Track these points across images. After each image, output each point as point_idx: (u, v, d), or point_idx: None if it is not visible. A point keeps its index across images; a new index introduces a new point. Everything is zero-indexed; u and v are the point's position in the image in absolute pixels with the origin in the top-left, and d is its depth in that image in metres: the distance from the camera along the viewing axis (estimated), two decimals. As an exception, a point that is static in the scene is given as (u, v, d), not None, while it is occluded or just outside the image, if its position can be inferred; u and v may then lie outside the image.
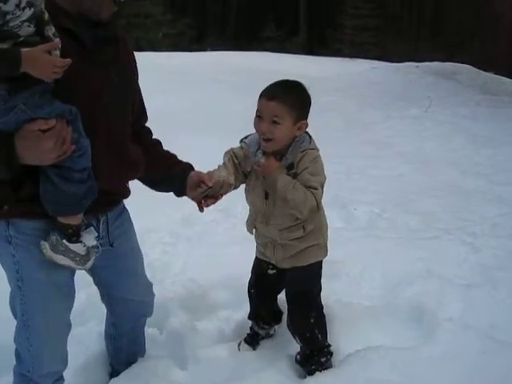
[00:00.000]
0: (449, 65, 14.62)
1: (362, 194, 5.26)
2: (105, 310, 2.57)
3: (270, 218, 2.42)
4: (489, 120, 8.93)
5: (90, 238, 1.96)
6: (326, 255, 2.56)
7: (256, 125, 2.31)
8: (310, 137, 2.35)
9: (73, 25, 1.83)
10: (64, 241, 1.88)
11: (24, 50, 1.55)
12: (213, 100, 9.12)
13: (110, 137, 1.96)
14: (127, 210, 2.33)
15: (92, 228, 1.98)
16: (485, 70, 14.44)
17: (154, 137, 2.42)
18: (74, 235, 1.90)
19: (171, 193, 2.41)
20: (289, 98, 2.24)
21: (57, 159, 1.72)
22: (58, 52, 1.68)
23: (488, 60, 14.12)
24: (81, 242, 1.92)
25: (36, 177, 1.79)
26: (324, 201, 2.37)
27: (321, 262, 2.57)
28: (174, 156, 2.41)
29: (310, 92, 2.31)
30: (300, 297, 2.58)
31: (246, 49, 16.27)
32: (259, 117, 2.28)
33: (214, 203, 2.34)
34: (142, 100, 2.30)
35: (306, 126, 2.33)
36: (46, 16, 1.66)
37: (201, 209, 2.35)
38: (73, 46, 1.82)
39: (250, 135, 2.43)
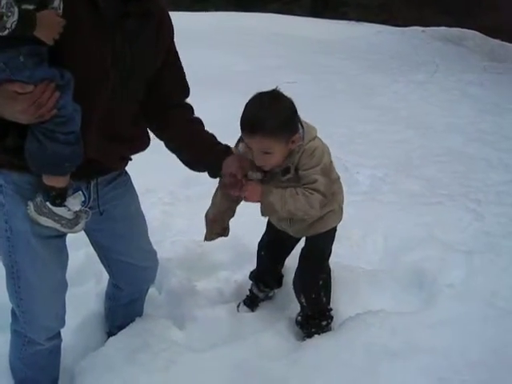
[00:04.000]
0: (455, 30, 14.36)
1: (365, 158, 5.19)
2: (103, 270, 2.55)
3: None
4: (495, 86, 8.81)
5: (75, 203, 1.91)
6: (340, 219, 2.54)
7: (248, 153, 2.19)
8: (303, 127, 2.20)
9: None
10: (47, 203, 1.85)
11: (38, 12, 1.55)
12: (215, 61, 8.99)
13: (107, 113, 1.89)
14: (126, 175, 2.26)
15: (80, 193, 1.94)
16: (491, 37, 14.20)
17: (193, 115, 2.29)
18: (58, 198, 1.85)
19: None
20: (270, 125, 2.05)
21: (33, 121, 1.69)
22: (60, 11, 1.63)
23: (494, 27, 13.87)
24: (65, 206, 1.88)
25: (21, 130, 1.74)
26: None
27: (335, 226, 2.54)
28: (210, 138, 2.27)
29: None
30: (314, 256, 2.57)
31: (249, 10, 15.95)
32: (248, 147, 2.16)
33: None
34: (179, 76, 2.18)
35: (300, 136, 2.16)
36: None
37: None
38: (92, 18, 1.75)
39: None
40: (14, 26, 1.49)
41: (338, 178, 2.49)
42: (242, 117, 2.12)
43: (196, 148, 2.22)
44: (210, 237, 2.50)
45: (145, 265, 2.41)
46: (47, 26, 1.57)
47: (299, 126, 2.18)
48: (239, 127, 2.17)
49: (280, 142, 2.09)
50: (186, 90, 2.23)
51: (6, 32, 1.49)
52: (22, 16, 1.50)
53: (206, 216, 2.47)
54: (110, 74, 1.84)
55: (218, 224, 2.46)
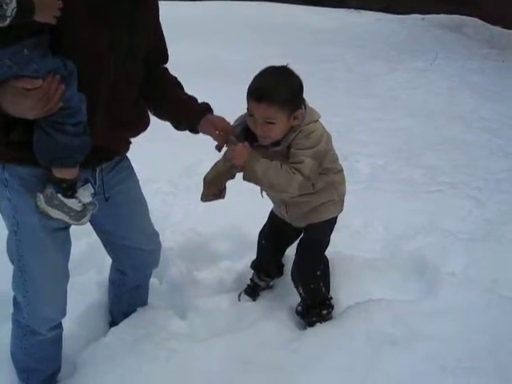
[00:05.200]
0: (455, 17, 14.26)
1: (365, 147, 5.18)
2: (104, 259, 2.54)
3: None
4: (495, 74, 8.77)
5: (85, 195, 1.92)
6: (341, 210, 2.53)
7: (250, 124, 2.19)
8: (306, 108, 2.21)
9: None
10: (59, 195, 1.84)
11: None
12: (206, 51, 8.88)
13: (110, 99, 1.88)
14: (127, 161, 2.26)
15: (89, 185, 1.94)
16: (492, 24, 14.10)
17: (172, 76, 2.32)
18: (69, 190, 1.85)
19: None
20: (278, 94, 2.08)
21: (42, 115, 1.67)
22: None
23: (495, 14, 13.78)
24: (76, 197, 1.88)
25: (26, 123, 1.72)
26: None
27: (335, 217, 2.53)
28: (191, 98, 2.31)
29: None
30: (311, 247, 2.56)
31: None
32: (251, 116, 2.16)
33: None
34: (163, 47, 2.20)
35: (302, 114, 2.17)
36: None
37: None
38: (86, 3, 1.71)
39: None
40: (14, 14, 1.45)
41: (341, 169, 2.49)
42: (250, 85, 2.15)
43: (179, 109, 2.26)
44: (206, 198, 2.45)
45: (149, 248, 2.43)
46: (45, 6, 1.53)
47: (303, 105, 2.20)
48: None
49: (284, 113, 2.11)
50: (166, 57, 2.25)
51: (7, 21, 1.45)
52: (20, 1, 1.46)
53: (205, 178, 2.44)
54: (109, 58, 1.82)
55: (215, 185, 2.43)
